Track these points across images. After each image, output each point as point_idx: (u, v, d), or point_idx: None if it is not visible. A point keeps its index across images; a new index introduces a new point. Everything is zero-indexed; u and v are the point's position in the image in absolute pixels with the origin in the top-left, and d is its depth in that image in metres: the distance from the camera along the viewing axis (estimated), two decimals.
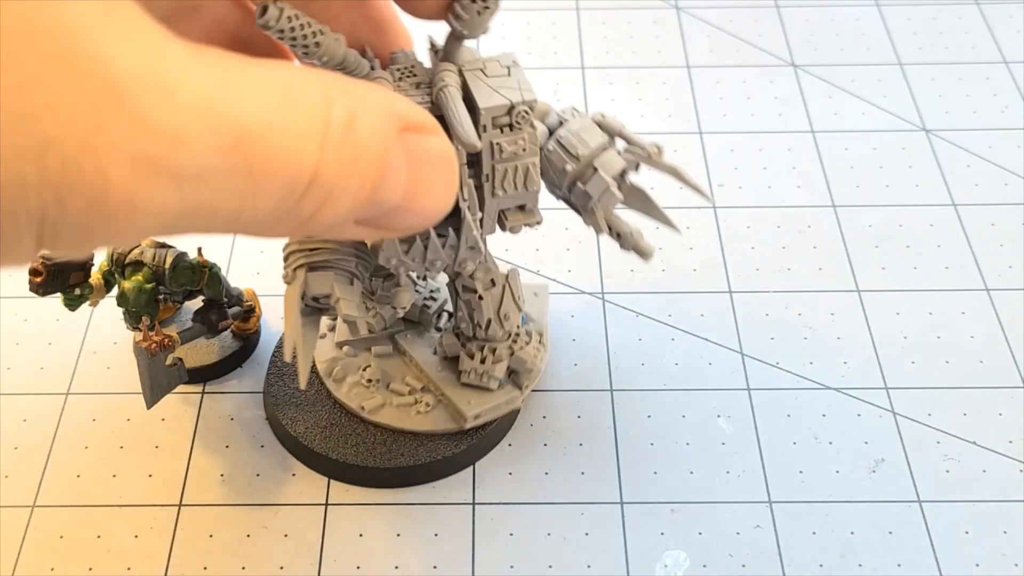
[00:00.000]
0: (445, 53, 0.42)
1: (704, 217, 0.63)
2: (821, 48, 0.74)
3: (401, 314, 0.48)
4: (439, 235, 0.43)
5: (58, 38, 0.25)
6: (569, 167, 0.44)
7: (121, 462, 0.52)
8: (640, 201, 0.47)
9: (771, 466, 0.51)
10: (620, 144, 0.46)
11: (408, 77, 0.41)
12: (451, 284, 0.49)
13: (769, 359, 0.56)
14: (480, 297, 0.49)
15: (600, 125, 0.46)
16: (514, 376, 0.52)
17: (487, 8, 0.39)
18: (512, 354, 0.51)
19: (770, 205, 0.64)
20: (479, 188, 0.43)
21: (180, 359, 0.51)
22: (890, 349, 0.56)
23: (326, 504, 0.50)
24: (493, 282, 0.49)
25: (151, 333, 0.50)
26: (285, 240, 0.45)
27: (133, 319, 0.53)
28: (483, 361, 0.50)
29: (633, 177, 0.47)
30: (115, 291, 0.52)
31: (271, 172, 0.30)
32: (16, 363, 0.56)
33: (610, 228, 0.47)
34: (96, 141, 0.25)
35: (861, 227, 0.62)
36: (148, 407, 0.51)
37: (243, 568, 0.48)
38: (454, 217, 0.43)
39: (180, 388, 0.53)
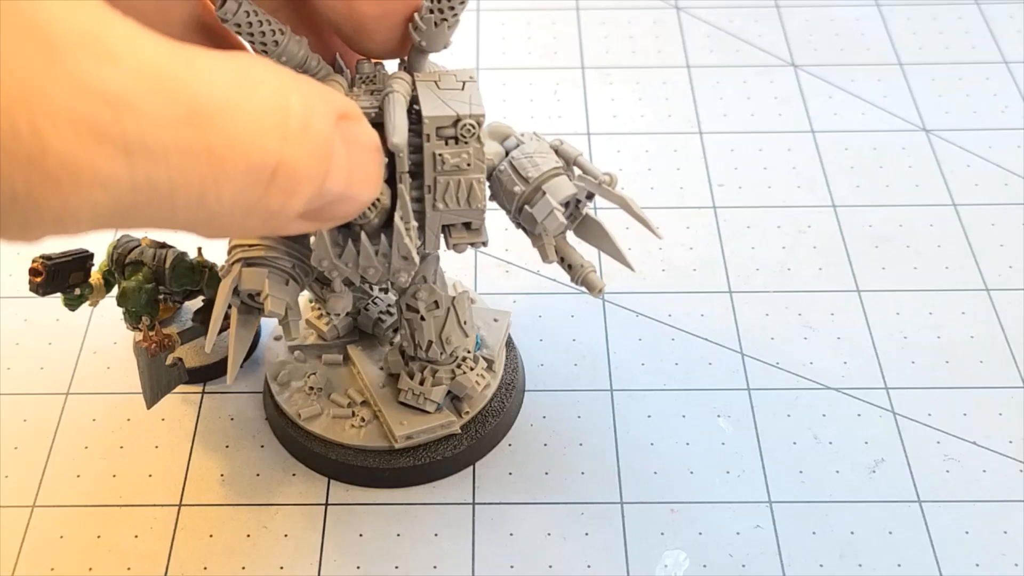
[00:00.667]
0: (408, 65, 0.42)
1: (704, 217, 0.63)
2: (821, 48, 0.74)
3: (335, 320, 0.47)
4: (372, 242, 0.43)
5: None
6: (518, 189, 0.44)
7: (121, 462, 0.52)
8: (595, 235, 0.46)
9: (771, 466, 0.51)
10: (576, 172, 0.46)
11: (365, 83, 0.41)
12: (398, 301, 0.49)
13: (769, 359, 0.56)
14: (422, 318, 0.48)
15: (557, 151, 0.45)
16: (456, 401, 0.51)
17: (444, 20, 0.39)
18: (453, 378, 0.50)
19: (770, 205, 0.64)
20: (420, 200, 0.42)
21: (180, 359, 0.51)
22: (890, 349, 0.56)
23: (326, 504, 0.50)
24: (437, 304, 0.48)
25: (151, 333, 0.50)
26: None
27: (133, 319, 0.53)
28: (422, 382, 0.50)
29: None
30: (115, 291, 0.52)
31: (232, 155, 0.28)
32: (16, 363, 0.56)
33: (562, 259, 0.46)
34: (30, 99, 0.24)
35: (861, 227, 0.62)
36: (148, 407, 0.51)
37: (243, 568, 0.48)
38: (388, 225, 0.42)
39: (180, 388, 0.53)
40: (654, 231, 0.46)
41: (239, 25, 0.39)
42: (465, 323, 0.49)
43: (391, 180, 0.41)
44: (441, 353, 0.49)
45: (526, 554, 0.48)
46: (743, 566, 0.48)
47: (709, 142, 0.67)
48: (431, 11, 0.39)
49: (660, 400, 0.54)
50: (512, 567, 0.48)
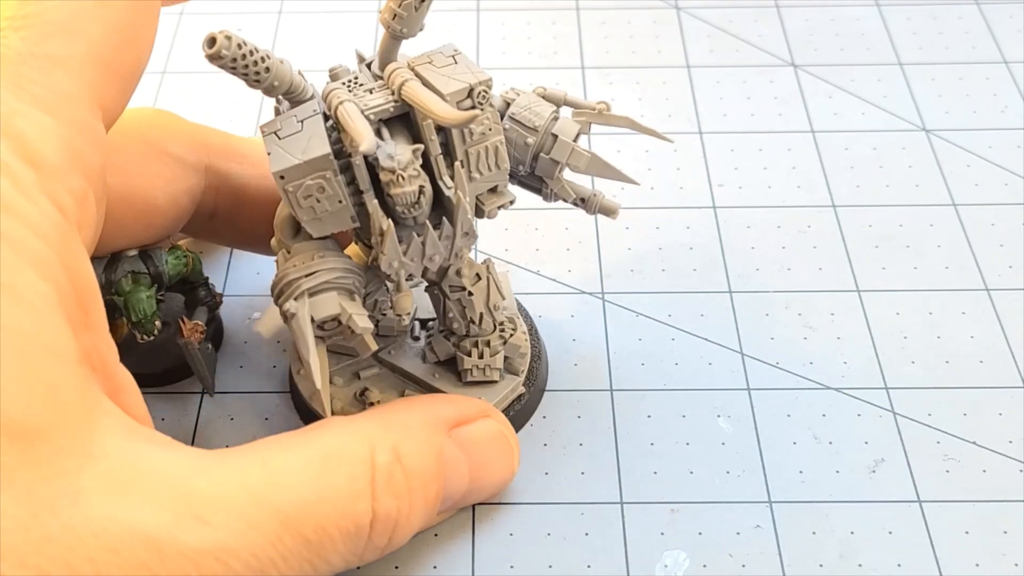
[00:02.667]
0: (384, 56, 0.42)
1: (704, 217, 0.63)
2: (821, 48, 0.74)
3: (406, 321, 0.48)
4: (434, 227, 0.44)
5: (95, 537, 0.30)
6: (530, 140, 0.46)
7: None
8: (597, 165, 0.49)
9: (771, 466, 0.51)
10: (567, 111, 0.48)
11: (358, 86, 0.42)
12: (432, 290, 0.49)
13: (769, 359, 0.56)
14: (470, 293, 0.48)
15: (545, 97, 0.48)
16: (508, 363, 0.52)
17: (423, 1, 0.40)
18: (505, 342, 0.51)
19: (770, 205, 0.64)
20: (452, 176, 0.43)
21: (209, 343, 0.52)
22: (890, 349, 0.56)
23: None
24: (479, 276, 0.49)
25: (186, 324, 0.50)
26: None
27: (148, 326, 0.51)
28: (482, 356, 0.50)
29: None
30: (132, 313, 0.51)
31: (328, 537, 0.34)
32: None
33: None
34: None
35: (861, 227, 0.62)
36: (212, 393, 0.53)
37: None
38: (441, 207, 0.44)
39: (179, 388, 0.53)
40: (664, 138, 0.49)
41: (235, 61, 0.39)
42: (501, 286, 0.50)
43: (426, 166, 0.42)
44: (491, 321, 0.50)
45: (526, 554, 0.48)
46: (743, 566, 0.48)
47: (709, 142, 0.67)
48: None
49: (660, 400, 0.54)
50: (512, 567, 0.48)
